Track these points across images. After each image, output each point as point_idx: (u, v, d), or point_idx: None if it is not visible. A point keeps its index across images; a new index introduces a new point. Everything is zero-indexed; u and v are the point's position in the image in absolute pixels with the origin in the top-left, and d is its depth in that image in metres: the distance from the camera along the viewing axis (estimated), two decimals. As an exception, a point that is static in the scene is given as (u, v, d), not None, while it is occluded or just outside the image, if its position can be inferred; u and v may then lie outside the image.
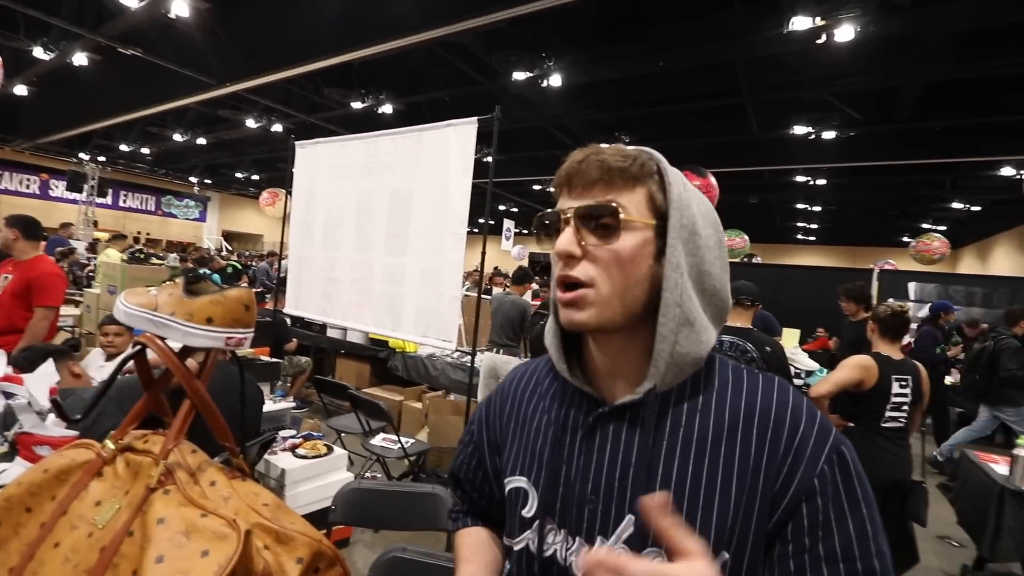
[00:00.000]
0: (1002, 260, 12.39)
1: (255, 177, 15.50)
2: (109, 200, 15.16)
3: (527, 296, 4.74)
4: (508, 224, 12.77)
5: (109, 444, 0.70)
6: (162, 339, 0.67)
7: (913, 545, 2.43)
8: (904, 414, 2.35)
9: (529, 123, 7.68)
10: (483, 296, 3.88)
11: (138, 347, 0.67)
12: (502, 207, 16.07)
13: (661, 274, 0.55)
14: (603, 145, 0.58)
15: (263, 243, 19.75)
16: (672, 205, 0.55)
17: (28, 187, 14.61)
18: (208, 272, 6.08)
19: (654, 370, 0.55)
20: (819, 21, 4.13)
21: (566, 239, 0.55)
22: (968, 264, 15.07)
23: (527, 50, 5.37)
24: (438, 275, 3.20)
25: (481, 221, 3.05)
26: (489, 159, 3.21)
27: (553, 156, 9.12)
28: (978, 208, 10.76)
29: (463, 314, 3.56)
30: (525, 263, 15.01)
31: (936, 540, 3.30)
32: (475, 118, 3.05)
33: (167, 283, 0.72)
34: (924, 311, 6.12)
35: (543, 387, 0.68)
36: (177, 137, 10.35)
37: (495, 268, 5.49)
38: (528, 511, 0.62)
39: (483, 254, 3.19)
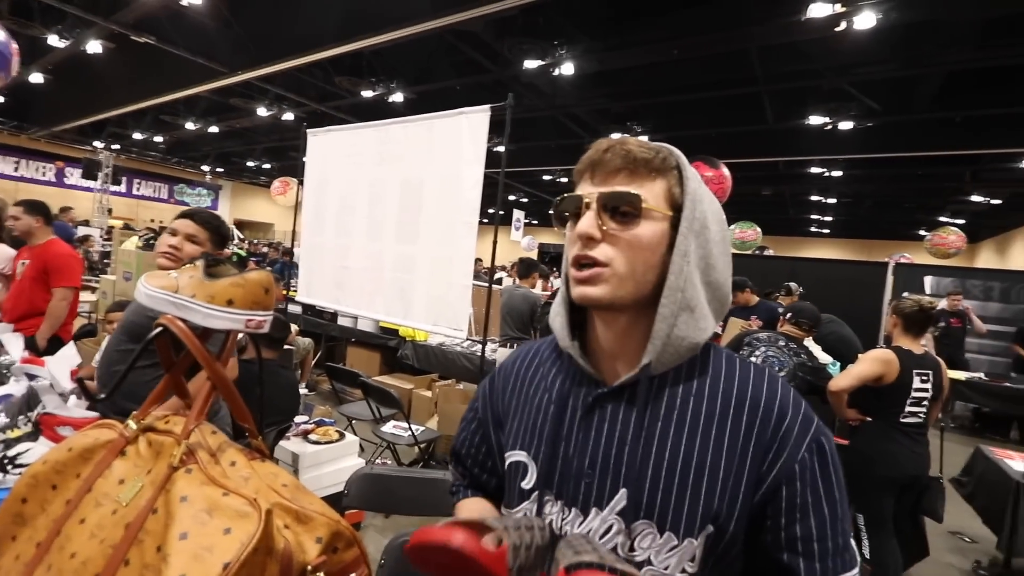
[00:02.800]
0: (1021, 254, 12.14)
1: (266, 166, 15.57)
2: (123, 188, 15.31)
3: (537, 288, 4.74)
4: (518, 215, 12.75)
5: (131, 424, 0.71)
6: (183, 320, 0.68)
7: (924, 539, 2.42)
8: (924, 409, 2.31)
9: (540, 112, 7.61)
10: (494, 286, 3.88)
11: (159, 328, 0.67)
12: (512, 197, 16.01)
13: (670, 262, 0.59)
14: (627, 137, 0.62)
15: (274, 231, 19.88)
16: (687, 199, 0.59)
17: (44, 175, 14.79)
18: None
19: (651, 347, 0.59)
20: (838, 8, 4.04)
21: (588, 222, 0.59)
22: (986, 258, 14.78)
23: (539, 38, 5.31)
24: (449, 264, 3.20)
25: (492, 211, 3.03)
26: (500, 148, 3.20)
27: (564, 146, 9.11)
28: (998, 201, 10.53)
29: (473, 304, 3.57)
30: (535, 254, 14.98)
31: (949, 536, 3.28)
32: (487, 106, 3.03)
33: (187, 266, 0.73)
34: (940, 305, 6.04)
35: (545, 367, 0.71)
36: (189, 125, 10.42)
37: (520, 259, 5.52)
38: (527, 483, 0.66)
39: (495, 244, 3.18)
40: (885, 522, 2.41)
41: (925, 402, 2.31)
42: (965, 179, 9.24)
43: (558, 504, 0.63)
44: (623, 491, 0.59)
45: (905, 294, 3.02)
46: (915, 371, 2.29)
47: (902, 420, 2.29)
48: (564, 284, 0.67)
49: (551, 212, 0.66)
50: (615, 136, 0.62)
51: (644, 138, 0.64)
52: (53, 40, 6.19)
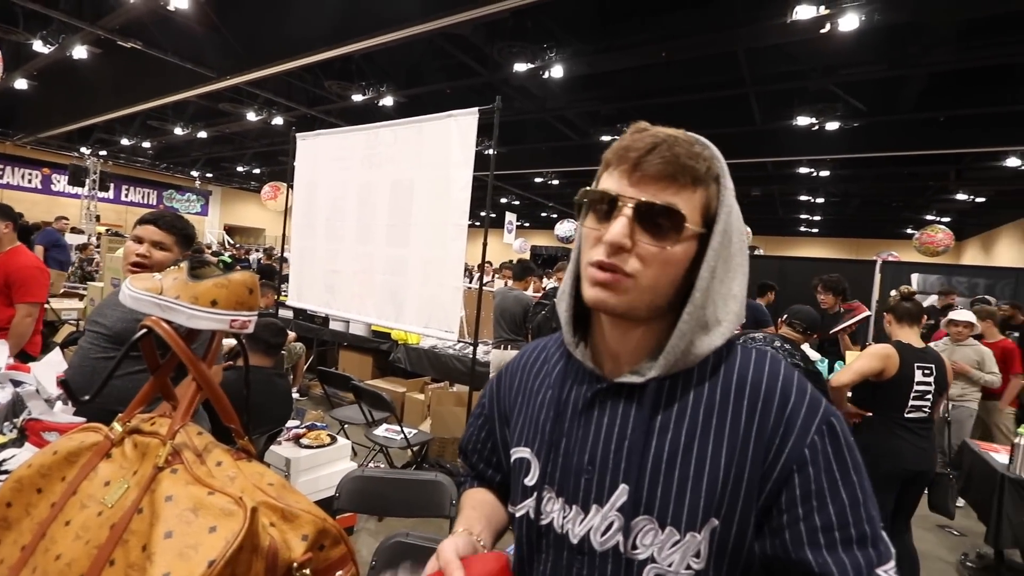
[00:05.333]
0: (1006, 251, 12.33)
1: (256, 171, 15.49)
2: (111, 195, 15.16)
3: (529, 290, 4.75)
4: (510, 217, 12.78)
5: (117, 427, 0.71)
6: (168, 322, 0.68)
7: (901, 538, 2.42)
8: (928, 403, 2.30)
9: (531, 115, 7.64)
10: (485, 288, 3.88)
11: (144, 330, 0.67)
12: (503, 200, 16.03)
13: (694, 275, 0.56)
14: (669, 129, 0.58)
15: (265, 237, 19.75)
16: (722, 212, 0.57)
17: (30, 181, 14.61)
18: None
19: (663, 362, 0.57)
20: (823, 10, 4.09)
21: (620, 231, 0.54)
22: (972, 255, 15.00)
23: (529, 41, 5.33)
24: (440, 266, 3.21)
25: (483, 214, 3.04)
26: (490, 152, 3.21)
27: (555, 148, 9.15)
28: (982, 199, 10.69)
29: (464, 306, 3.57)
30: (527, 256, 15.00)
31: (937, 529, 3.32)
32: (476, 108, 3.05)
33: (171, 268, 0.73)
34: (928, 302, 6.12)
35: (551, 364, 0.70)
36: (178, 131, 10.34)
37: (509, 261, 5.52)
38: (530, 480, 0.64)
39: (484, 246, 3.19)
40: (884, 520, 2.41)
41: (928, 396, 2.29)
42: (950, 178, 9.38)
43: (559, 501, 0.61)
44: (623, 487, 0.57)
45: (893, 291, 3.06)
46: (916, 365, 2.29)
47: (907, 415, 2.27)
48: (573, 279, 0.63)
49: (576, 201, 0.60)
50: (657, 130, 0.57)
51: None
52: (38, 46, 6.13)
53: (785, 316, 2.74)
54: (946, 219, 12.78)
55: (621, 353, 0.61)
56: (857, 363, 2.36)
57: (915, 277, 6.91)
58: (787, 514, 0.53)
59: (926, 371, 2.31)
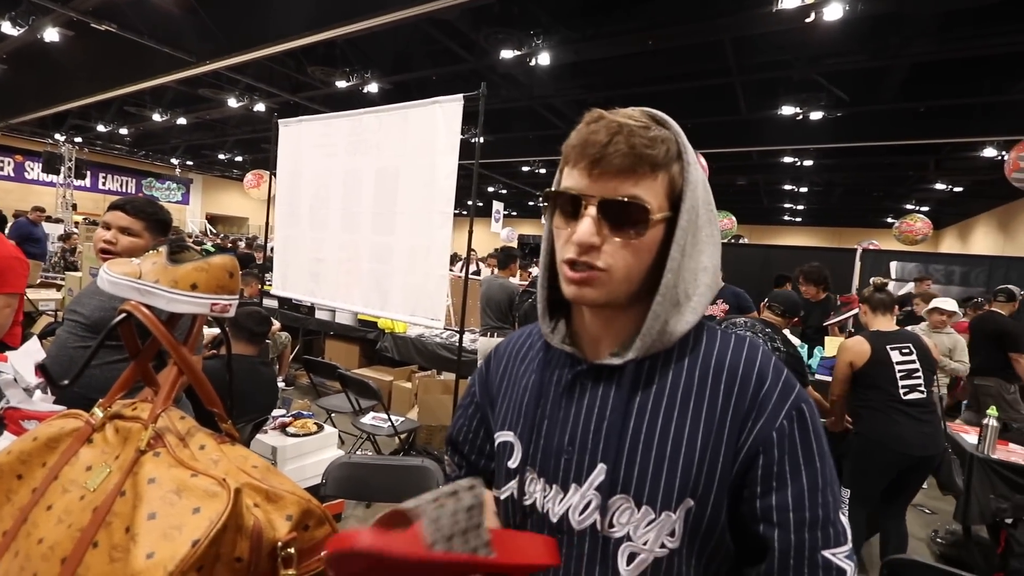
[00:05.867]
0: (981, 240, 12.64)
1: (239, 159, 15.19)
2: (88, 183, 14.78)
3: (516, 278, 4.76)
4: (497, 206, 12.71)
5: (98, 412, 0.71)
6: (147, 307, 0.68)
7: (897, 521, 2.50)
8: (919, 382, 2.31)
9: (518, 103, 7.59)
10: (471, 277, 3.88)
11: (123, 315, 0.67)
12: (491, 189, 15.95)
13: (665, 255, 0.57)
14: (624, 114, 0.56)
15: (248, 226, 19.45)
16: (688, 189, 0.57)
17: (2, 169, 14.18)
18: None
19: (640, 343, 0.58)
20: (808, -1, 4.12)
21: (587, 231, 0.54)
22: (949, 244, 15.35)
23: (515, 28, 5.28)
24: (426, 254, 3.20)
25: (469, 203, 3.03)
26: (477, 140, 3.19)
27: (543, 137, 9.11)
28: (960, 189, 10.91)
29: (451, 294, 3.56)
30: (515, 244, 14.98)
31: (911, 508, 3.43)
32: (461, 95, 3.02)
33: (150, 252, 0.73)
34: (905, 289, 6.26)
35: (534, 350, 0.71)
36: (156, 117, 10.08)
37: (496, 249, 5.52)
38: (513, 462, 0.66)
39: (470, 234, 3.19)
40: (869, 500, 2.45)
41: (917, 375, 2.31)
42: (929, 168, 9.56)
43: (540, 481, 0.62)
44: (601, 466, 0.58)
45: (872, 279, 3.12)
46: (889, 346, 2.33)
47: (904, 397, 2.29)
48: (546, 272, 0.65)
49: (541, 200, 0.62)
50: (611, 118, 0.55)
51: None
52: (7, 28, 5.91)
53: (766, 300, 2.80)
54: (925, 208, 13.04)
55: (602, 337, 0.62)
56: (836, 369, 2.46)
57: (894, 265, 7.06)
58: (747, 490, 0.56)
59: (903, 350, 2.35)
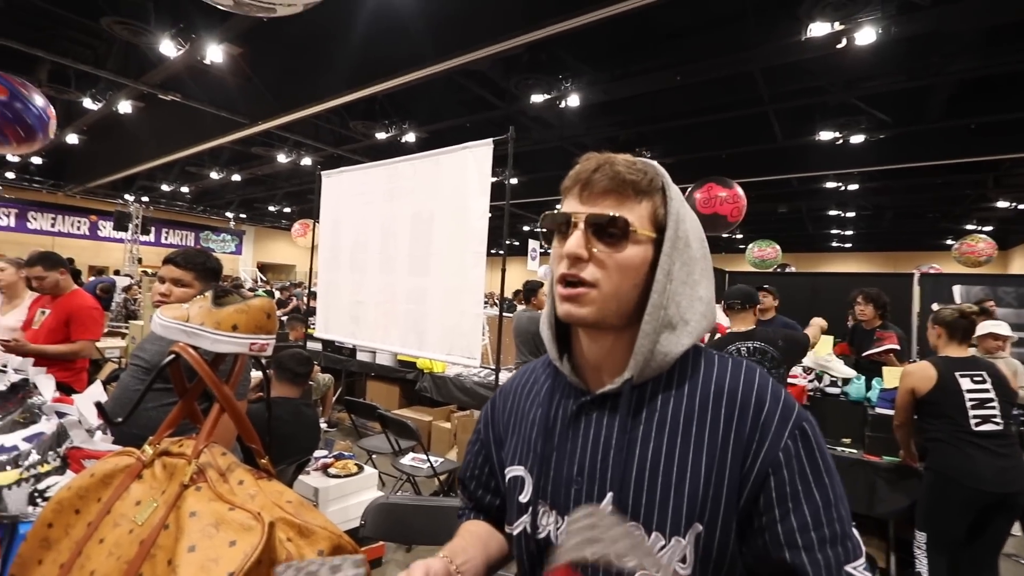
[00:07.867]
0: (1056, 259, 11.72)
1: (287, 209, 16.11)
2: (152, 238, 15.97)
3: (544, 309, 4.71)
4: (533, 244, 12.84)
5: (148, 449, 0.75)
6: (194, 348, 0.73)
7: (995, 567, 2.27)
8: (994, 413, 2.12)
9: (549, 144, 7.78)
10: (505, 315, 3.90)
11: (172, 356, 0.72)
12: (526, 228, 16.17)
13: (654, 280, 0.60)
14: (615, 155, 0.64)
15: (295, 272, 20.34)
16: (671, 219, 0.61)
17: (79, 229, 15.54)
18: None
19: (633, 363, 0.60)
20: (837, 26, 4.09)
21: (576, 242, 0.60)
22: (1019, 265, 14.29)
23: (544, 73, 5.48)
24: (460, 294, 3.25)
25: (503, 242, 3.09)
26: (509, 181, 3.28)
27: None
28: (1024, 206, 10.26)
29: (488, 332, 3.58)
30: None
31: (1004, 559, 3.08)
32: (490, 139, 3.13)
33: (198, 297, 0.78)
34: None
35: (539, 385, 0.73)
36: (214, 175, 10.89)
37: (524, 283, 5.59)
38: (524, 496, 0.66)
39: (503, 272, 3.23)
40: (949, 545, 2.21)
41: (991, 404, 2.12)
42: (987, 185, 9.06)
43: (552, 514, 0.63)
44: (609, 495, 0.59)
45: (935, 305, 2.93)
46: (958, 373, 2.17)
47: (975, 428, 2.11)
48: (550, 300, 0.68)
49: (539, 228, 0.69)
50: (601, 155, 0.64)
51: (649, 159, 0.66)
52: (87, 103, 6.62)
53: (721, 303, 2.61)
54: (988, 228, 12.28)
55: (602, 365, 0.64)
56: (898, 395, 2.32)
57: (957, 289, 6.60)
58: (765, 516, 0.56)
59: (975, 378, 2.16)
